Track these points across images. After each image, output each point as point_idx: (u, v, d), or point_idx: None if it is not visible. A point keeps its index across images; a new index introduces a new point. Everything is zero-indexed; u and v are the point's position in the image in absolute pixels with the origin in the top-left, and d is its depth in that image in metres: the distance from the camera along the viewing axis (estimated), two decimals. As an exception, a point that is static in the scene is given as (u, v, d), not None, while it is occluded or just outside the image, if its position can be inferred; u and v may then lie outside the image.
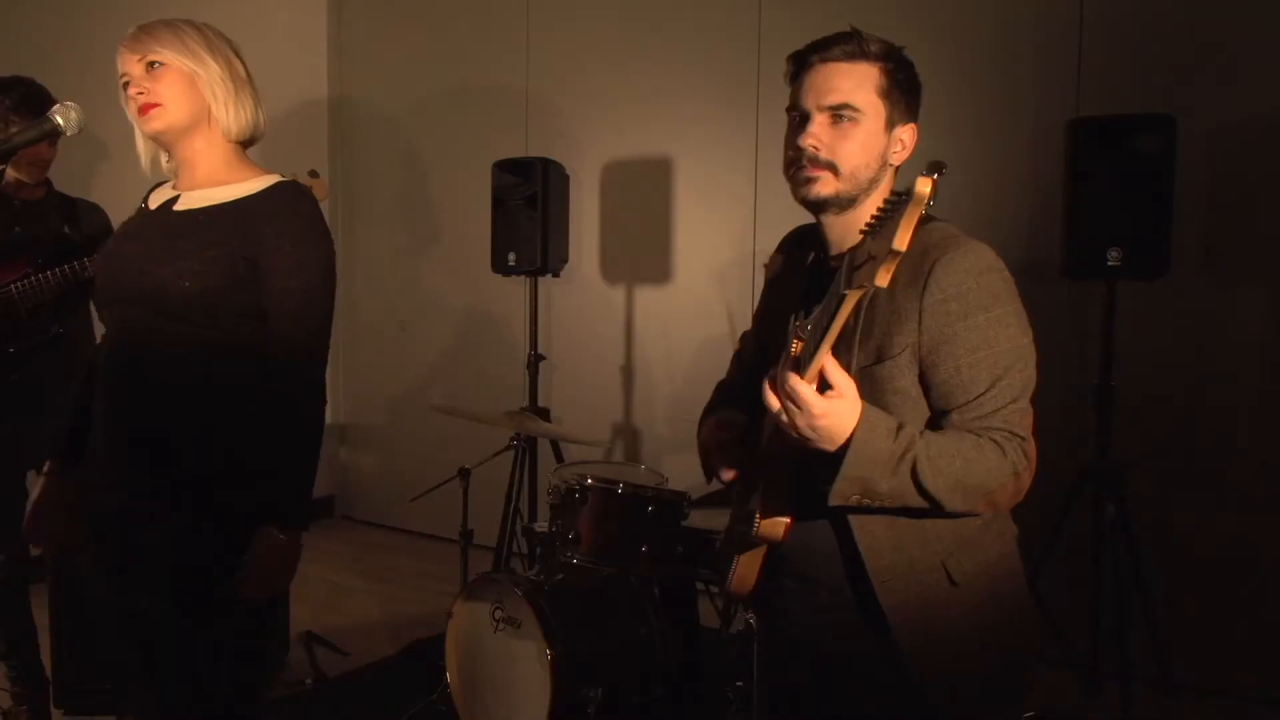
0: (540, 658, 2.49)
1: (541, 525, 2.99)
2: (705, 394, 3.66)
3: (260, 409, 1.66)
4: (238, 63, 1.74)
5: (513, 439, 3.70)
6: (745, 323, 3.96)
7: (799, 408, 1.28)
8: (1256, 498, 3.19)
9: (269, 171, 1.77)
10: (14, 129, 2.51)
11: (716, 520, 2.84)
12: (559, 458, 3.75)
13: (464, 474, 3.15)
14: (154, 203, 1.77)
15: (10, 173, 2.62)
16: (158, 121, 1.67)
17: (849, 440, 1.30)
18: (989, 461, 1.36)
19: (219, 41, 1.73)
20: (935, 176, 1.14)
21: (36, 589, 2.79)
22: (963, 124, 3.50)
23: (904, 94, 1.47)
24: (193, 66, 1.68)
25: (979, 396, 1.39)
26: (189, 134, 1.71)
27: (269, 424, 1.65)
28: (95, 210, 2.86)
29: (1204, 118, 3.14)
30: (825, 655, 1.55)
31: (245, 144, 1.79)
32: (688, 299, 4.32)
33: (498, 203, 3.94)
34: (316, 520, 5.36)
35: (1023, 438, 1.40)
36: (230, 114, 1.72)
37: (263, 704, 1.87)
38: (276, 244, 1.66)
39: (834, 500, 1.35)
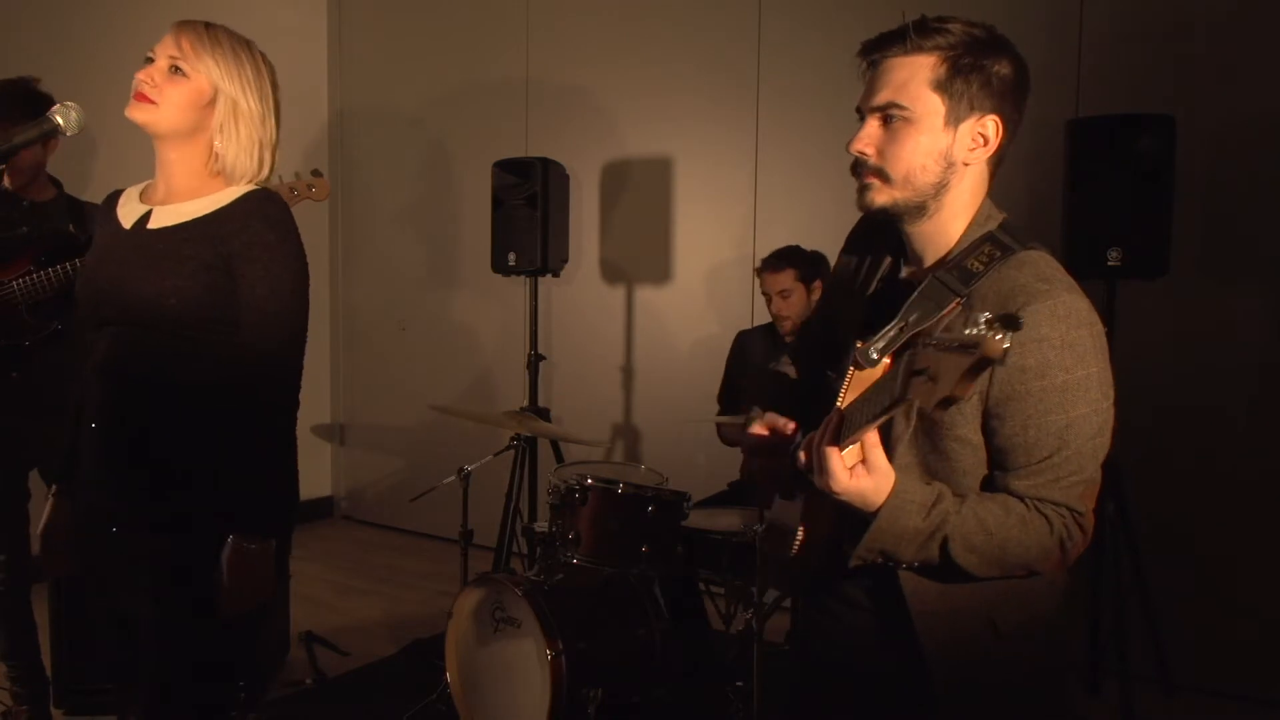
0: (540, 658, 2.48)
1: (541, 525, 2.99)
2: (705, 394, 3.67)
3: (233, 418, 1.66)
4: (272, 115, 1.74)
5: (513, 439, 3.70)
6: (744, 323, 3.97)
7: (823, 475, 1.24)
8: (1256, 498, 3.19)
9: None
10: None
11: (716, 520, 2.84)
12: (559, 458, 3.75)
13: (464, 474, 3.15)
14: (126, 219, 1.75)
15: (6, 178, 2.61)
16: (141, 115, 1.65)
17: (876, 512, 1.26)
18: (1032, 539, 1.29)
19: (269, 86, 1.73)
20: (1008, 335, 0.95)
21: (37, 589, 2.79)
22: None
23: (975, 84, 1.30)
24: (231, 94, 1.68)
25: (1041, 462, 1.28)
26: (174, 142, 1.69)
27: (241, 431, 1.66)
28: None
29: (1204, 118, 3.14)
30: (855, 674, 1.50)
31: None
32: (688, 299, 4.32)
33: (498, 203, 3.93)
34: (317, 520, 5.36)
35: (1080, 513, 1.31)
36: (233, 155, 1.71)
37: (263, 703, 1.88)
38: (246, 252, 1.66)
39: (854, 563, 1.31)
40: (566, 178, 4.03)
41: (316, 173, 3.07)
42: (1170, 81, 3.22)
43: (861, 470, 1.23)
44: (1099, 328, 1.30)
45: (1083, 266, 2.97)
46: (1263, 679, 3.19)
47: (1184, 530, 3.27)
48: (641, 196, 4.40)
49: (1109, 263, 2.91)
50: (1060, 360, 1.26)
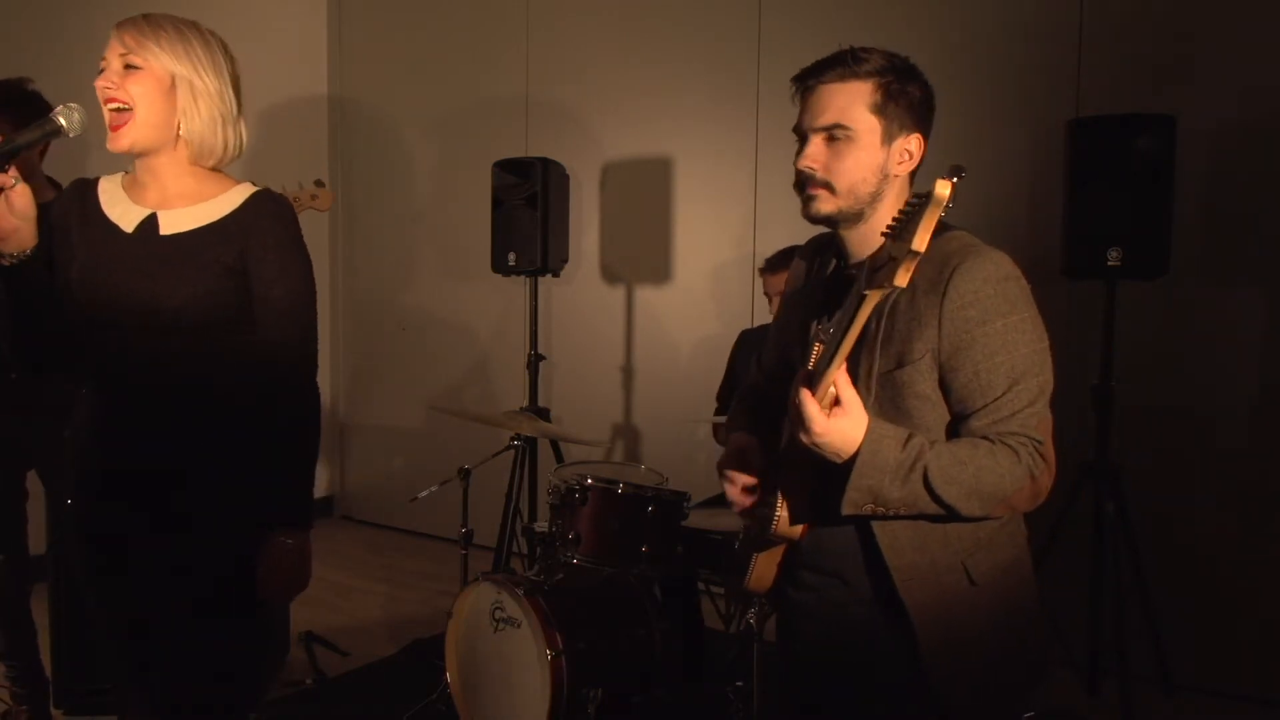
0: (540, 658, 2.48)
1: (541, 525, 2.99)
2: (705, 394, 3.68)
3: (258, 416, 1.68)
4: (230, 89, 1.70)
5: (513, 439, 3.70)
6: (744, 323, 3.97)
7: (803, 424, 1.34)
8: (1256, 498, 3.19)
9: (239, 180, 1.76)
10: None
11: (716, 520, 2.84)
12: (559, 458, 3.75)
13: (464, 474, 3.15)
14: (125, 223, 1.69)
15: None
16: (124, 141, 1.62)
17: (857, 452, 1.36)
18: (1003, 467, 1.41)
19: (224, 61, 1.70)
20: (954, 180, 1.19)
21: (36, 589, 2.79)
22: (963, 124, 3.50)
23: (902, 107, 1.48)
24: (185, 76, 1.64)
25: (996, 400, 1.42)
26: (160, 149, 1.67)
27: (266, 430, 1.68)
28: None
29: (1204, 118, 3.14)
30: (838, 648, 1.58)
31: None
32: (688, 299, 4.32)
33: (498, 203, 3.93)
34: (316, 520, 5.35)
35: (1039, 441, 1.44)
36: (198, 134, 1.67)
37: (263, 703, 1.88)
38: (260, 254, 1.68)
39: (847, 510, 1.40)
40: (566, 178, 4.03)
41: (319, 183, 3.08)
42: (1170, 81, 3.22)
43: (839, 410, 1.35)
44: (1024, 282, 1.47)
45: (1083, 266, 2.98)
46: (1263, 679, 3.19)
47: (1184, 530, 3.27)
48: (641, 196, 4.40)
49: (1109, 263, 2.91)
50: (997, 307, 1.42)
